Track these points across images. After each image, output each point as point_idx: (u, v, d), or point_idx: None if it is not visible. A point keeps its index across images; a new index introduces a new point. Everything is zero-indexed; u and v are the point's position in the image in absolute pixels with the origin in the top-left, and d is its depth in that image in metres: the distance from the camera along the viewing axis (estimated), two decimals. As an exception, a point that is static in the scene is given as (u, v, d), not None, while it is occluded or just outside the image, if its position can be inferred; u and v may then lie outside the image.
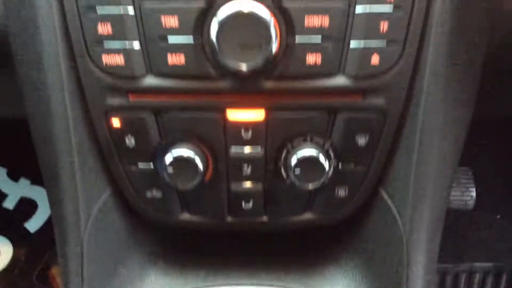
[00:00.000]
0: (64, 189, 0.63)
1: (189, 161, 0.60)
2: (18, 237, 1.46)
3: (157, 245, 0.77)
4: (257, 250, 0.77)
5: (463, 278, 1.35)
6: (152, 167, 0.64)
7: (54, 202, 0.65)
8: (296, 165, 0.61)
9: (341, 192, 0.66)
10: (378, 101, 0.60)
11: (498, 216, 1.39)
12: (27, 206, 1.49)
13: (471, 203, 1.08)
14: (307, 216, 0.70)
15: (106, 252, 0.69)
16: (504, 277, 1.36)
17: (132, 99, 0.59)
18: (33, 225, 1.48)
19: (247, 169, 0.64)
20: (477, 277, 1.36)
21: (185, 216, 0.70)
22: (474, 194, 1.07)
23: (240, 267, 0.76)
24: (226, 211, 0.69)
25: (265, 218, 0.70)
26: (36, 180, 1.51)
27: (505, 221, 1.38)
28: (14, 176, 1.51)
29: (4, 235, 1.47)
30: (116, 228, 0.70)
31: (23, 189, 1.50)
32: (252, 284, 0.73)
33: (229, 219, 0.70)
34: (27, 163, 0.67)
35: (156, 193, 0.66)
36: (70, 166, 0.62)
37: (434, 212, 0.66)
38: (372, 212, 0.69)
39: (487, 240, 1.37)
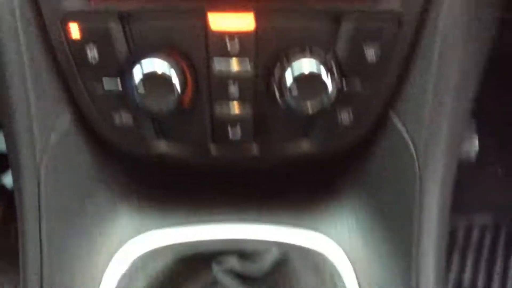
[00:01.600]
0: (15, 111, 0.58)
1: (163, 78, 0.54)
2: (-7, 193, 1.41)
3: (130, 178, 0.72)
4: (247, 187, 0.72)
5: (461, 233, 1.34)
6: (119, 86, 0.58)
7: (7, 131, 0.61)
8: (293, 83, 0.55)
9: (345, 117, 0.60)
10: (392, 4, 0.53)
11: (500, 169, 1.36)
12: (3, 159, 1.41)
13: (473, 154, 1.01)
14: (305, 145, 0.64)
15: (68, 185, 0.64)
16: (503, 232, 1.34)
17: (93, 2, 0.54)
18: (10, 179, 1.40)
19: (233, 88, 0.58)
20: (475, 232, 1.34)
21: (162, 147, 0.64)
22: (476, 144, 1.01)
23: (227, 204, 0.72)
24: (210, 140, 0.63)
25: (255, 149, 0.64)
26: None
27: (507, 174, 1.36)
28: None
29: (-22, 191, 1.42)
30: (80, 158, 0.65)
31: (-1, 140, 1.44)
32: (239, 221, 0.69)
33: (213, 150, 0.64)
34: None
35: (125, 119, 0.60)
36: (22, 84, 0.57)
37: (451, 142, 0.61)
38: (380, 138, 0.63)
39: (486, 194, 1.35)
